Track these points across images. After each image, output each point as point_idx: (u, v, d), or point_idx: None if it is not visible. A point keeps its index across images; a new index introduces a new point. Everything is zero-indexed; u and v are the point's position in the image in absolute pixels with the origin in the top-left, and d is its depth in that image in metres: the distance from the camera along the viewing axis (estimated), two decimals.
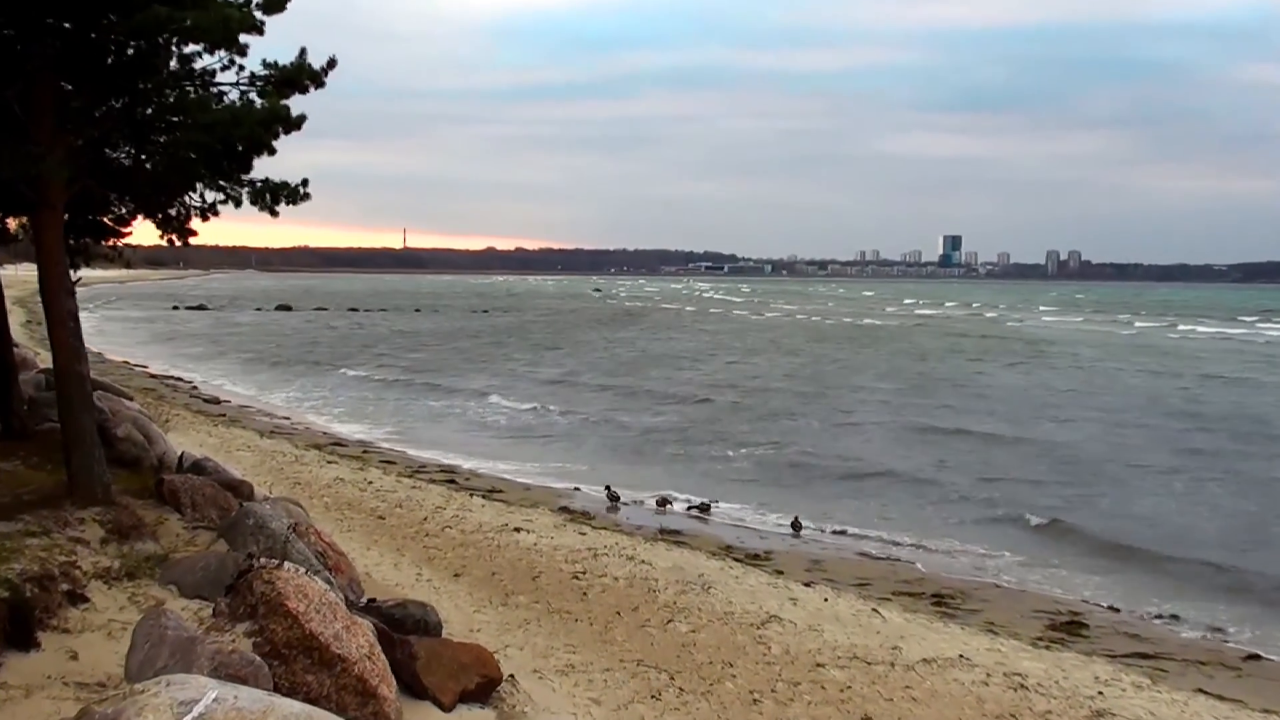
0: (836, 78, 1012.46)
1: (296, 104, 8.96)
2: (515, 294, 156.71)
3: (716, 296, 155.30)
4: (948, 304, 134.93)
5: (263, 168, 9.28)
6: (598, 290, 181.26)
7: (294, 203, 9.34)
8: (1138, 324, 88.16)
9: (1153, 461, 24.15)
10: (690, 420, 28.97)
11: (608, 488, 19.37)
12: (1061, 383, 40.20)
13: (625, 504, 18.79)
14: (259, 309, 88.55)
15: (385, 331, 66.36)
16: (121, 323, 63.98)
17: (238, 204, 9.34)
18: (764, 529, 17.68)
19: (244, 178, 9.30)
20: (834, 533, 17.44)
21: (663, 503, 18.95)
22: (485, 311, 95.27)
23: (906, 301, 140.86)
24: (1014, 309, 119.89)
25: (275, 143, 8.95)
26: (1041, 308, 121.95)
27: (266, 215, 9.36)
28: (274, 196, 9.22)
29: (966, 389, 38.14)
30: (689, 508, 18.74)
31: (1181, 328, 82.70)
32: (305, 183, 9.38)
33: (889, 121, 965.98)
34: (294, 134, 9.14)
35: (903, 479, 21.83)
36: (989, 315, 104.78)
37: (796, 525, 17.61)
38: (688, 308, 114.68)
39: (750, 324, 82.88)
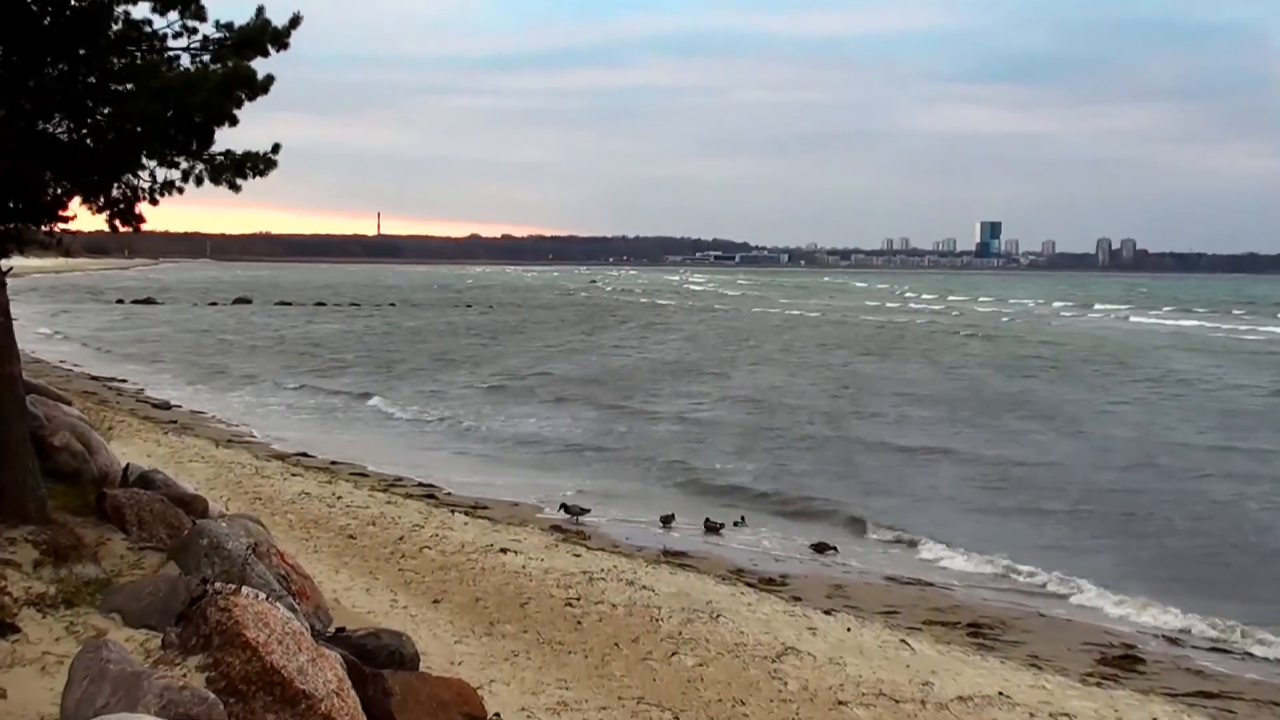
0: (860, 44, 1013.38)
1: (257, 68, 8.89)
2: (486, 286, 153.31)
3: (707, 289, 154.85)
4: (951, 297, 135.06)
5: (222, 142, 9.21)
6: (593, 281, 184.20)
7: (263, 174, 9.25)
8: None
9: (1220, 487, 23.65)
10: (687, 433, 29.00)
11: (564, 505, 19.16)
12: (1121, 393, 40.02)
13: (586, 523, 18.40)
14: (214, 303, 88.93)
15: (360, 330, 66.43)
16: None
17: (199, 182, 9.26)
18: (780, 551, 17.65)
19: (205, 153, 9.20)
20: (854, 555, 17.42)
21: (667, 520, 18.90)
22: (469, 306, 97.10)
23: (906, 294, 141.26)
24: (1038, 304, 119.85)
25: (237, 111, 8.86)
26: (1056, 303, 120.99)
27: (221, 198, 9.34)
28: (239, 169, 9.12)
29: (972, 389, 38.17)
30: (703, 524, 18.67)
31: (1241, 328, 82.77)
32: (276, 149, 9.28)
33: (919, 93, 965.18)
34: (253, 105, 9.06)
35: (927, 497, 21.85)
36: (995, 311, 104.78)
37: (820, 548, 17.58)
38: (661, 300, 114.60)
39: (725, 323, 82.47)
